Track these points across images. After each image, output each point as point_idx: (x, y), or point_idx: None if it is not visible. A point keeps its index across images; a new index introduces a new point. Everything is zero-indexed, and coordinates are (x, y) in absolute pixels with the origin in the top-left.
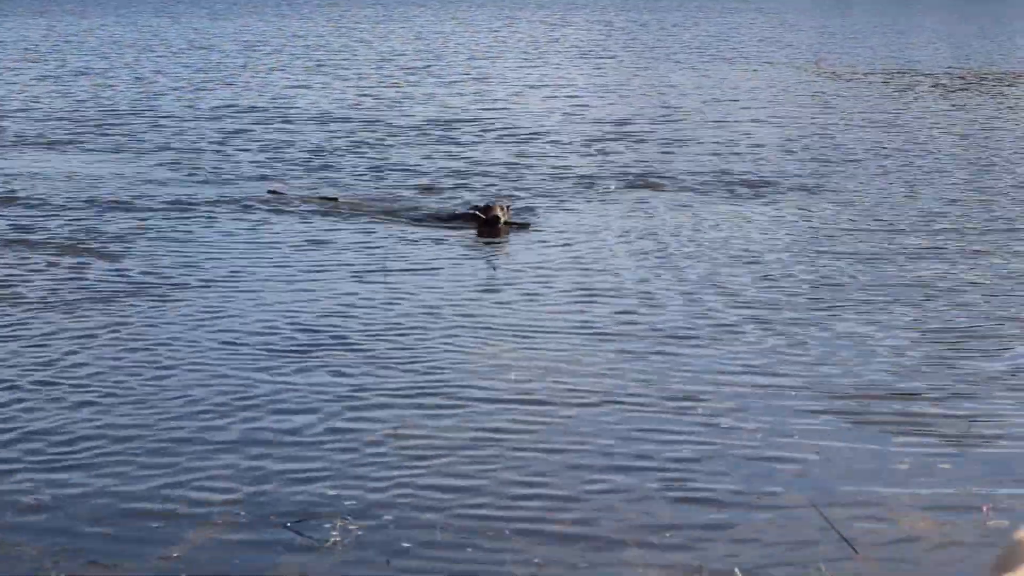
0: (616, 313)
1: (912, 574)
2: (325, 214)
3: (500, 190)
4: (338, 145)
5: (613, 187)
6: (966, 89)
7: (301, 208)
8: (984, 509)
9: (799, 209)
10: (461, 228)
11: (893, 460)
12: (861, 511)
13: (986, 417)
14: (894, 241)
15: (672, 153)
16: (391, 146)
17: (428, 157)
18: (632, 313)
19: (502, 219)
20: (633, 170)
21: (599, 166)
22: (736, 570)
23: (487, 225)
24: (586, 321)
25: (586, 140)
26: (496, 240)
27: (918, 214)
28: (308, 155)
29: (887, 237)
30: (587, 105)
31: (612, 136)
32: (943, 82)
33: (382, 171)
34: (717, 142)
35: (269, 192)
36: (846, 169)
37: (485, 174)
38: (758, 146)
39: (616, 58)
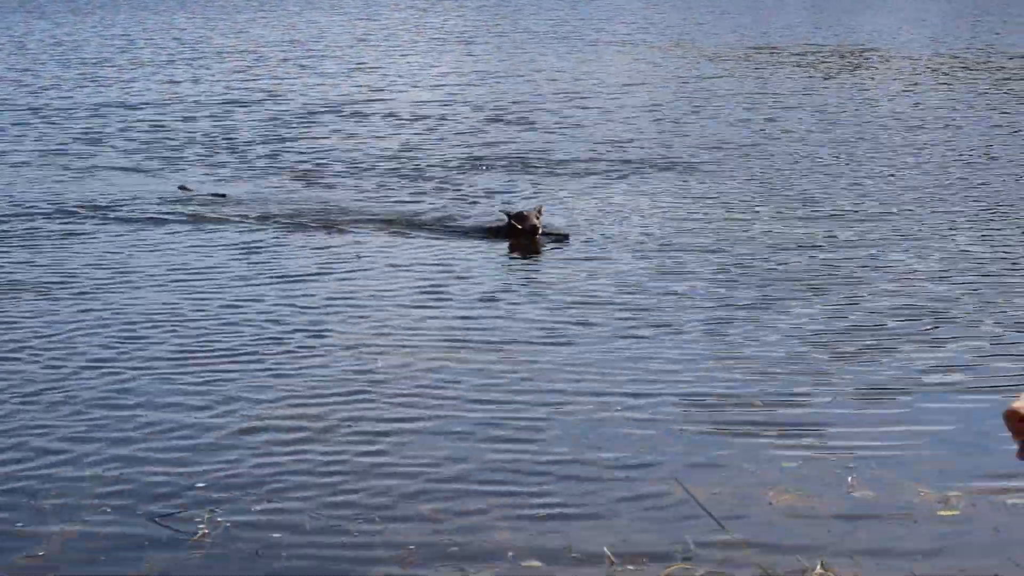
0: (480, 302)
1: (779, 547)
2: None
3: (384, 175)
4: (217, 136)
5: (486, 168)
6: (829, 64)
7: (201, 209)
8: (850, 480)
9: (670, 188)
10: (484, 238)
11: (760, 439)
12: (728, 489)
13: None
14: (770, 227)
15: (548, 135)
16: (272, 136)
17: (314, 143)
18: (497, 302)
19: (540, 228)
20: (510, 152)
21: (478, 149)
22: (605, 549)
23: (523, 236)
24: (450, 312)
25: (463, 124)
26: (532, 253)
27: (791, 194)
28: (199, 148)
29: (762, 222)
30: (463, 90)
31: (490, 120)
32: (808, 59)
33: (267, 160)
34: (588, 124)
35: (179, 188)
36: (721, 148)
37: (372, 160)
38: (628, 127)
39: (489, 43)
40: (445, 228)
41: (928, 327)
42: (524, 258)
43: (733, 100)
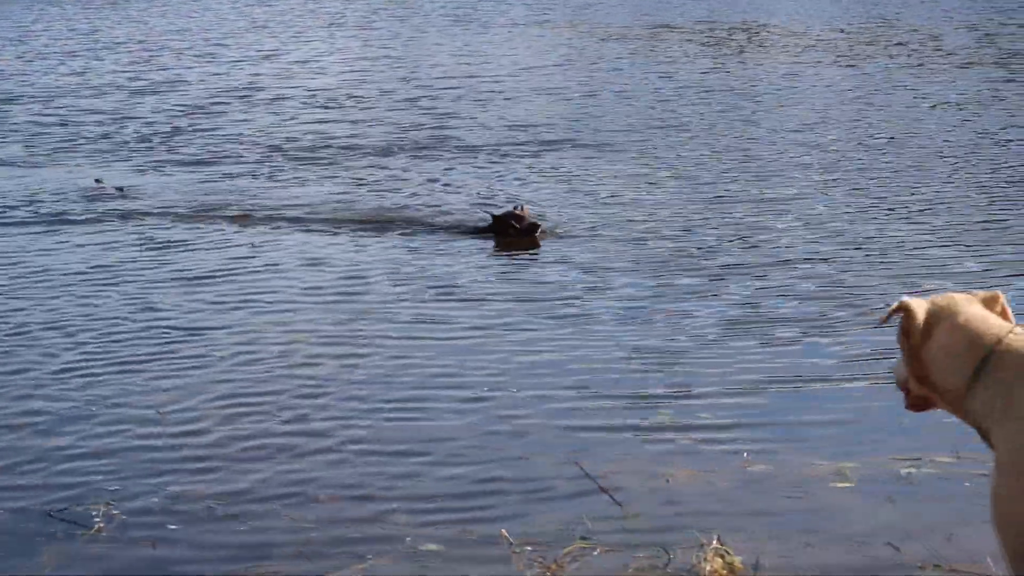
0: (390, 295)
1: (676, 523)
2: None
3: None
4: (119, 128)
5: (397, 150)
6: (730, 42)
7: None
8: (745, 456)
9: (579, 169)
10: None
11: (653, 418)
12: (625, 468)
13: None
14: (680, 210)
15: (456, 119)
16: (176, 126)
17: (220, 132)
18: (403, 292)
19: (540, 227)
20: (420, 137)
21: (388, 134)
22: (503, 531)
23: (522, 235)
24: (360, 304)
25: (372, 110)
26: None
27: (699, 176)
28: (102, 141)
29: (672, 206)
30: (368, 75)
31: (398, 104)
32: (708, 36)
33: (172, 151)
34: (495, 106)
35: (96, 181)
36: (629, 130)
37: (280, 149)
38: (534, 109)
39: (389, 27)
40: (402, 224)
41: (831, 313)
42: (429, 251)
43: (636, 79)
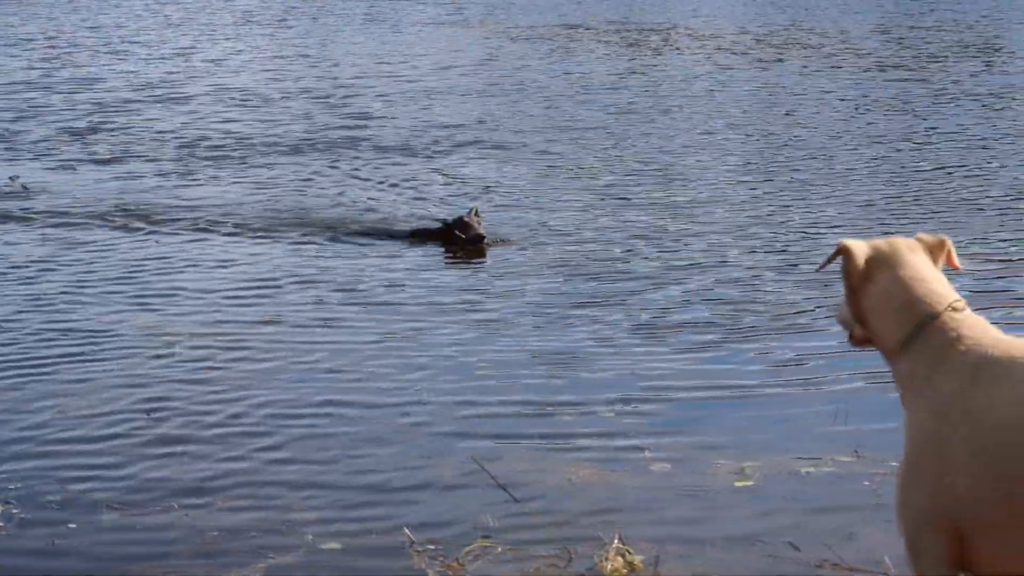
0: (299, 295)
1: (577, 521)
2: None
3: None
4: (32, 127)
5: (312, 150)
6: (631, 43)
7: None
8: (646, 454)
9: (494, 170)
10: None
11: (556, 419)
12: (527, 467)
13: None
14: (595, 214)
15: (371, 119)
16: (89, 125)
17: (134, 131)
18: (312, 293)
19: (485, 236)
20: (337, 136)
21: (304, 133)
22: (405, 530)
23: (469, 244)
24: (266, 307)
25: (288, 109)
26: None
27: (610, 178)
28: (9, 140)
29: (588, 209)
30: (282, 74)
31: (313, 103)
32: (619, 37)
33: (85, 150)
34: (410, 105)
35: (10, 178)
36: (543, 130)
37: (194, 147)
38: (449, 109)
39: (302, 25)
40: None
41: (739, 317)
42: (339, 255)
43: (549, 80)
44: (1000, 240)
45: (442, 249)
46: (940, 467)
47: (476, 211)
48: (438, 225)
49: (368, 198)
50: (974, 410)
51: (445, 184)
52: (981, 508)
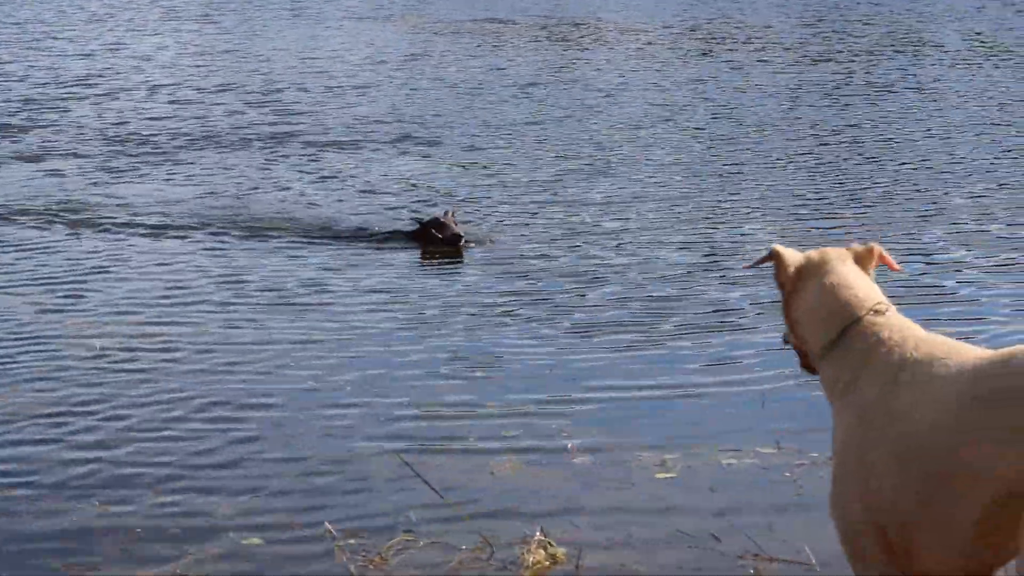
0: (224, 295)
1: (500, 515)
2: None
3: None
4: None
5: (241, 146)
6: (556, 38)
7: None
8: (569, 447)
9: (419, 166)
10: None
11: (479, 412)
12: (450, 462)
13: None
14: (510, 208)
15: (296, 114)
16: (11, 121)
17: (58, 128)
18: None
19: (463, 237)
20: (264, 131)
21: (234, 129)
22: (327, 524)
23: (446, 244)
24: (191, 306)
25: (217, 104)
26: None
27: (535, 175)
28: None
29: (513, 206)
30: (209, 69)
31: (240, 99)
32: (535, 32)
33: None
34: (335, 101)
35: None
36: (456, 124)
37: (121, 144)
38: (373, 104)
39: (226, 20)
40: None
41: (668, 312)
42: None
43: (473, 75)
44: (928, 236)
45: (415, 250)
46: (866, 471)
47: (452, 212)
48: (413, 226)
49: (305, 194)
50: (896, 412)
51: (380, 180)
52: (907, 509)
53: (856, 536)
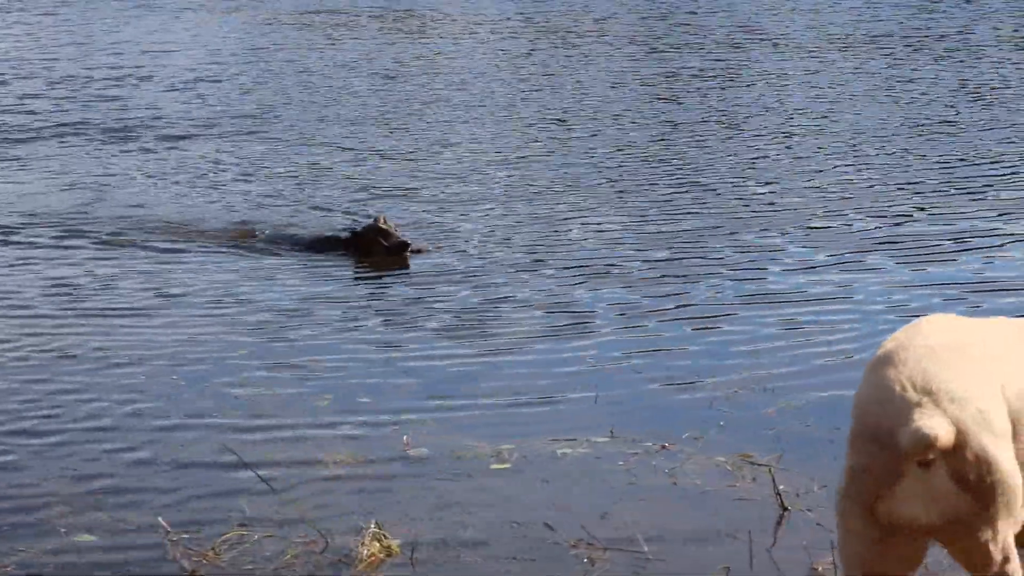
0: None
1: (334, 508)
2: None
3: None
4: None
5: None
6: (392, 29)
7: None
8: (404, 440)
9: (260, 159)
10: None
11: (313, 405)
12: (284, 455)
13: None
14: (352, 203)
15: (123, 105)
16: None
17: None
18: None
19: (410, 244)
20: (89, 125)
21: (63, 123)
22: (160, 519)
23: (392, 252)
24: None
25: (46, 97)
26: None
27: (387, 168)
28: None
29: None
30: (39, 62)
31: (70, 91)
32: (371, 22)
33: None
34: (166, 92)
35: None
36: (291, 116)
37: None
38: (199, 96)
39: (59, 13)
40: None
41: (499, 309)
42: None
43: (310, 66)
44: (767, 233)
45: (348, 258)
46: None
47: (384, 218)
48: (345, 235)
49: (160, 189)
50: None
51: (222, 171)
52: None
53: None
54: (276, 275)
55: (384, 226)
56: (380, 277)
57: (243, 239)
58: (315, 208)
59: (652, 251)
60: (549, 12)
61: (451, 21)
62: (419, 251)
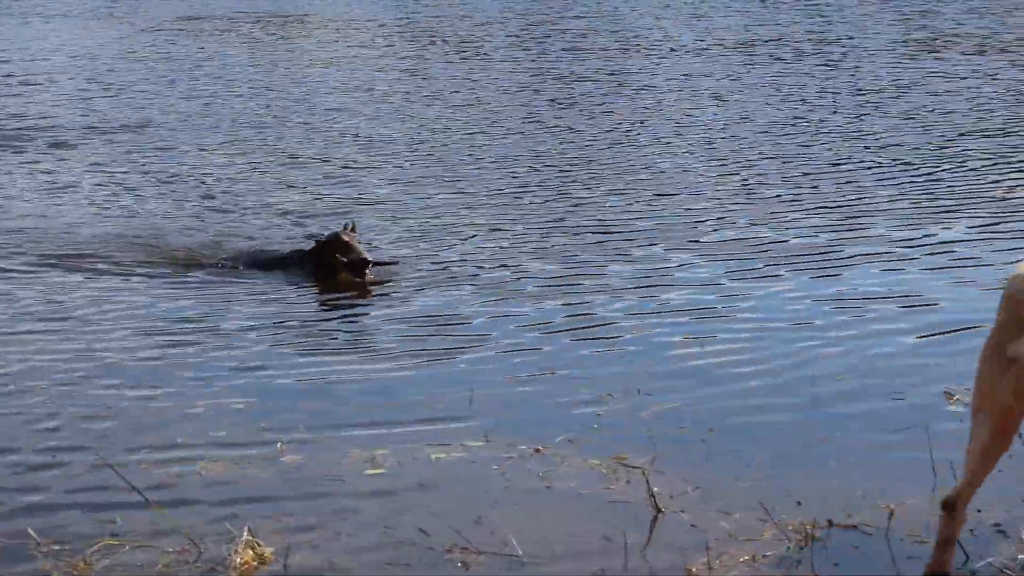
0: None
1: (207, 516)
2: None
3: None
4: None
5: None
6: (270, 34)
7: None
8: (279, 446)
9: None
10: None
11: (182, 411)
12: (157, 462)
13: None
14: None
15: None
16: None
17: None
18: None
19: (371, 261)
20: None
21: None
22: (30, 530)
23: (350, 270)
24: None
25: None
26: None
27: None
28: None
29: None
30: None
31: None
32: (238, 27)
33: None
34: (24, 97)
35: None
36: (159, 122)
37: None
38: (81, 104)
39: None
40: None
41: (366, 318)
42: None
43: (174, 71)
44: (652, 244)
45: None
46: None
47: (353, 226)
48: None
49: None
50: None
51: (107, 180)
52: None
53: None
54: (175, 290)
55: (346, 237)
56: (266, 292)
57: (148, 255)
58: (218, 211)
59: (536, 263)
60: (440, 17)
61: (336, 28)
62: (387, 264)
